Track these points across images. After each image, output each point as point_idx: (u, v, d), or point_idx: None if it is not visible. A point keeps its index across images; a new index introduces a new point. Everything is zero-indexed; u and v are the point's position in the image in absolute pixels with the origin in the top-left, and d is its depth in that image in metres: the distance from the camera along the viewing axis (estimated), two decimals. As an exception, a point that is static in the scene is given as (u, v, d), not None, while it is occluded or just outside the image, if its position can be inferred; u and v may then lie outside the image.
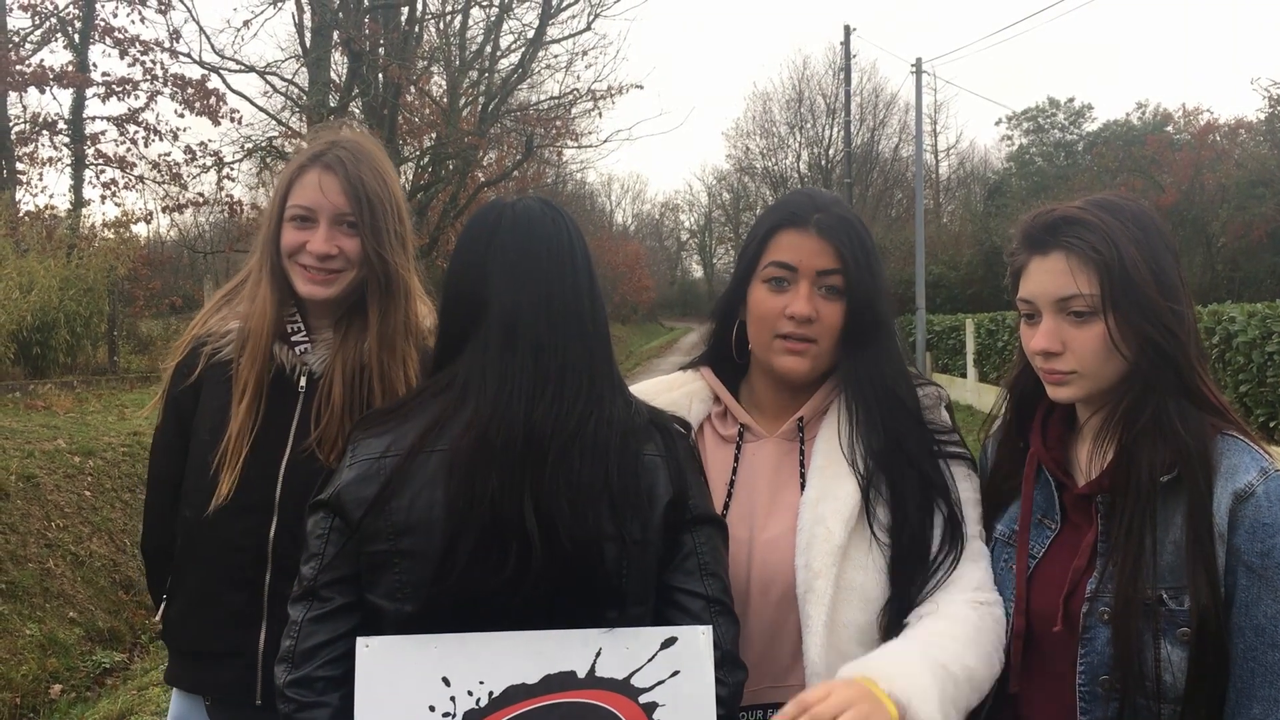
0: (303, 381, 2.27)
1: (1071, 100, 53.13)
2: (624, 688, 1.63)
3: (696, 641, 1.65)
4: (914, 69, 24.46)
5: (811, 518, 1.92)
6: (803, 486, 1.98)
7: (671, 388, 2.15)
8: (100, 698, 6.14)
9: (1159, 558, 1.74)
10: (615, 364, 1.86)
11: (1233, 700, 1.71)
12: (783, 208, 2.03)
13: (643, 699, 1.63)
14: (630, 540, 1.70)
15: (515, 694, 1.61)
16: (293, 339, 2.29)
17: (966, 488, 1.99)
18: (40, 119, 17.73)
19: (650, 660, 1.64)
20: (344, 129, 2.40)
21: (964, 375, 20.12)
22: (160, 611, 2.38)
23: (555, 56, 22.89)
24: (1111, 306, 1.78)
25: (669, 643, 1.65)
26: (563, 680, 1.62)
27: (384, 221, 2.23)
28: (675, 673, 1.64)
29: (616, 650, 1.64)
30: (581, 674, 1.63)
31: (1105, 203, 1.87)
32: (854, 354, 1.97)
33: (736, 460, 2.05)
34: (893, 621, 1.86)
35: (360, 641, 1.65)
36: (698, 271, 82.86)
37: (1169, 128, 40.52)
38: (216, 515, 2.19)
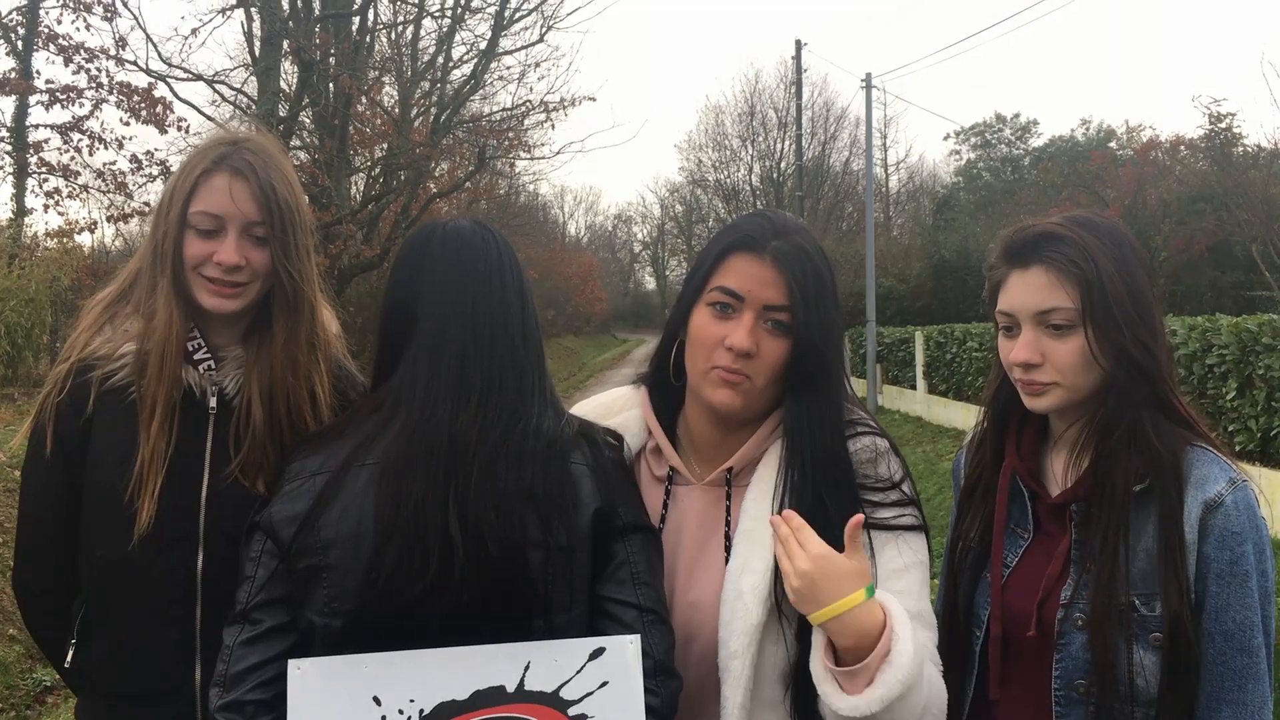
0: (213, 402, 2.11)
1: (1018, 116, 54.18)
2: (553, 700, 1.64)
3: (624, 651, 1.67)
4: (864, 84, 24.66)
5: (734, 591, 1.81)
6: (728, 546, 1.88)
7: (610, 412, 2.06)
8: (41, 716, 6.03)
9: (1131, 565, 1.79)
10: (547, 377, 1.89)
11: (1204, 704, 1.77)
12: (739, 229, 1.90)
13: (572, 711, 1.64)
14: (555, 547, 1.71)
15: (445, 711, 1.62)
16: (195, 357, 2.11)
17: (892, 556, 1.85)
18: (-19, 127, 17.42)
19: (579, 672, 1.65)
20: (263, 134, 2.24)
21: (913, 387, 20.29)
22: (69, 655, 2.14)
23: (508, 68, 22.85)
24: (1090, 320, 1.83)
25: (597, 653, 1.67)
26: (492, 695, 1.63)
27: (293, 234, 2.09)
28: (604, 683, 1.65)
29: (545, 663, 1.65)
30: (511, 688, 1.64)
31: (1083, 220, 1.92)
32: (795, 401, 1.86)
33: (665, 506, 1.97)
34: (798, 692, 1.79)
35: (292, 664, 1.65)
36: (650, 283, 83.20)
37: (1112, 144, 41.33)
38: (136, 550, 2.01)
